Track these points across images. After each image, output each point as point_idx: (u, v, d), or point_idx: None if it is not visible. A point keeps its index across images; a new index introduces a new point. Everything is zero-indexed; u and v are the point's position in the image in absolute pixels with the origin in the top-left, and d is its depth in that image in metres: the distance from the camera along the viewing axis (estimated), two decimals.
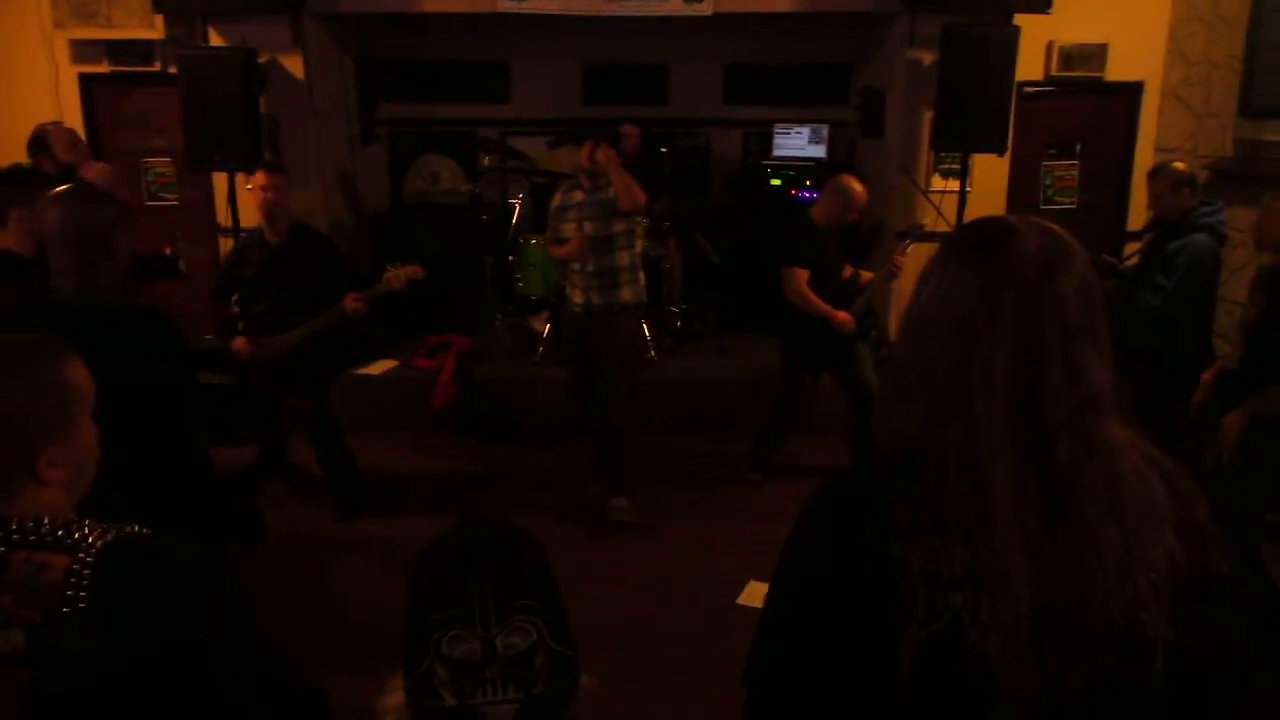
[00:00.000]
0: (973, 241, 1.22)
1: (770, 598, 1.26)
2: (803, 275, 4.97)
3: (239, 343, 4.82)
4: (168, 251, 4.96)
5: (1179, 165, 4.69)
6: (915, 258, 5.40)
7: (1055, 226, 1.22)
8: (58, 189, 2.62)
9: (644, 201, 4.76)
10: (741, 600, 4.18)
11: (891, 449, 1.22)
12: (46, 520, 1.32)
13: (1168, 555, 1.13)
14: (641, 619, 4.05)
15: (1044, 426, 1.12)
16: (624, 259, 4.84)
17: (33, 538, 1.30)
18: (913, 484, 1.14)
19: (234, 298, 4.99)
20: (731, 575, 4.34)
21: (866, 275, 5.29)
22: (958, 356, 1.15)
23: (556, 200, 4.99)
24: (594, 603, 3.98)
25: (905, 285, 5.55)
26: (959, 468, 1.12)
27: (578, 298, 4.93)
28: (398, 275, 4.71)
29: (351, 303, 4.64)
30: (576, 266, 4.86)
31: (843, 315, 4.97)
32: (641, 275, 5.01)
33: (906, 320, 1.24)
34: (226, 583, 1.40)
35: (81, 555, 1.28)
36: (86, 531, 1.31)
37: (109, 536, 1.32)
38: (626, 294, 4.86)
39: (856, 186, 5.03)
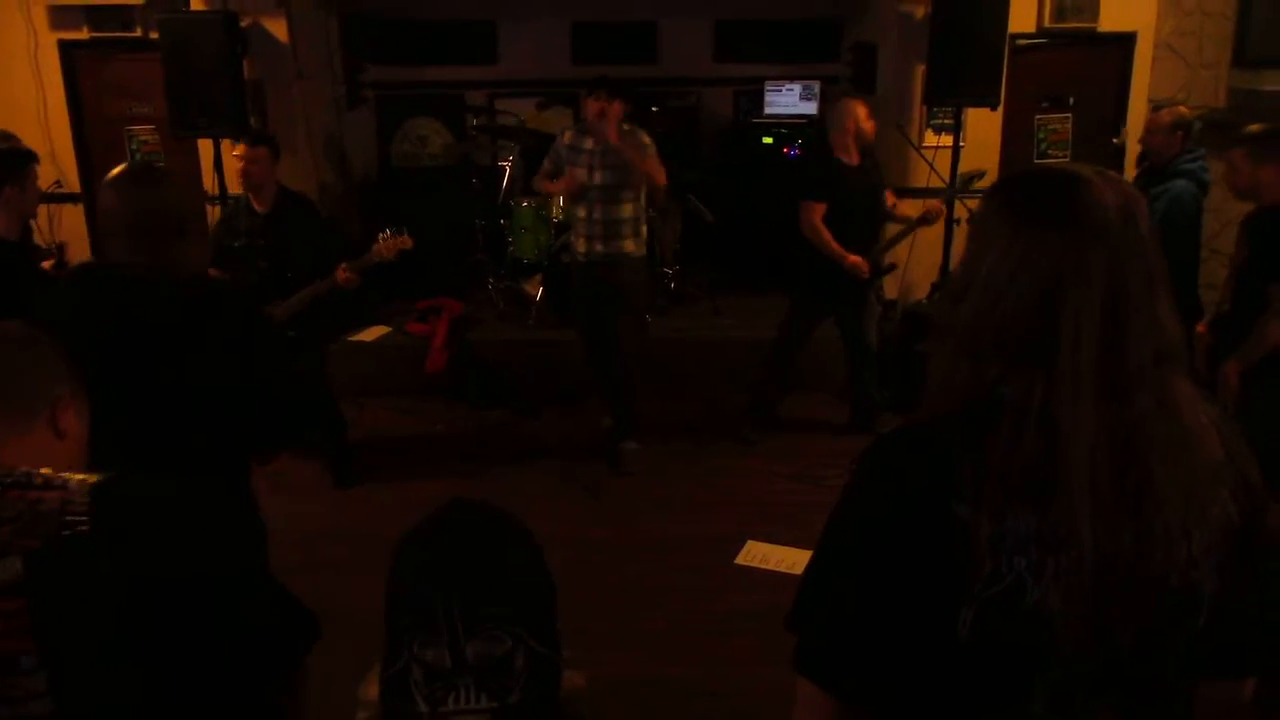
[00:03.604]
0: (1044, 197, 1.17)
1: (824, 549, 1.24)
2: (818, 209, 4.95)
3: None
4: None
5: (1182, 109, 4.71)
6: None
7: (1110, 171, 1.19)
8: (113, 171, 2.44)
9: (664, 183, 4.89)
10: (740, 560, 4.19)
11: (945, 406, 1.19)
12: (37, 471, 1.33)
13: (1223, 514, 1.13)
14: (639, 579, 4.06)
15: (1124, 381, 1.11)
16: (628, 210, 4.93)
17: (23, 480, 1.31)
18: (980, 443, 1.11)
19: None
20: (729, 535, 4.35)
21: (907, 210, 5.26)
22: (1044, 315, 1.12)
23: (566, 139, 5.00)
24: (591, 564, 4.01)
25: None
26: (1037, 426, 1.10)
27: (581, 246, 5.02)
28: (389, 245, 4.64)
29: (343, 274, 4.60)
30: (582, 214, 4.94)
31: (855, 258, 4.95)
32: (644, 229, 5.08)
33: (968, 281, 1.19)
34: (219, 508, 1.44)
35: (74, 489, 1.30)
36: (76, 476, 1.34)
37: (99, 476, 1.34)
38: (629, 245, 4.96)
39: (853, 103, 5.02)
